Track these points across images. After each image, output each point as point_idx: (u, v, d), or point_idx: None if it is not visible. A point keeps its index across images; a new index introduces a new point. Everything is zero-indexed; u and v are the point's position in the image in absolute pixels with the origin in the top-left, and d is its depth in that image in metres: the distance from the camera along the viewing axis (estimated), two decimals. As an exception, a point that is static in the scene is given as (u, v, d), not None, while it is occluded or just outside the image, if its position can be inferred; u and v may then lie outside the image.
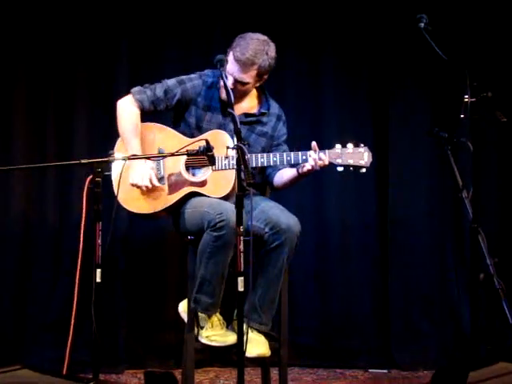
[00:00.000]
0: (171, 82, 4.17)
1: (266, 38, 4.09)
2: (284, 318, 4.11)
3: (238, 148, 3.43)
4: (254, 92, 4.22)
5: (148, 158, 4.03)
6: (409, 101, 5.24)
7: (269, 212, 4.00)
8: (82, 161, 3.57)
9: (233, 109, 3.62)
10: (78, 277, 3.76)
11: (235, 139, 3.49)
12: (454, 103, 4.92)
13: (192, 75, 4.20)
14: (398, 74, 5.23)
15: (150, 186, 4.02)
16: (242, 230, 3.41)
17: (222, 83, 4.04)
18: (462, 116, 3.68)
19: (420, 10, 3.92)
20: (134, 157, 3.88)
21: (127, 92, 4.20)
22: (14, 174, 4.98)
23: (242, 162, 3.41)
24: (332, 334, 5.22)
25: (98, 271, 3.62)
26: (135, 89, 4.16)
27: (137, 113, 4.13)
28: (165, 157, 3.91)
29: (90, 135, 5.06)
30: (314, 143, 3.96)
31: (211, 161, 3.68)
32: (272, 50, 4.07)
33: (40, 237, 5.03)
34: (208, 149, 3.58)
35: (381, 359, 5.14)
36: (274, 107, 4.28)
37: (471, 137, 3.77)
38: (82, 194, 3.72)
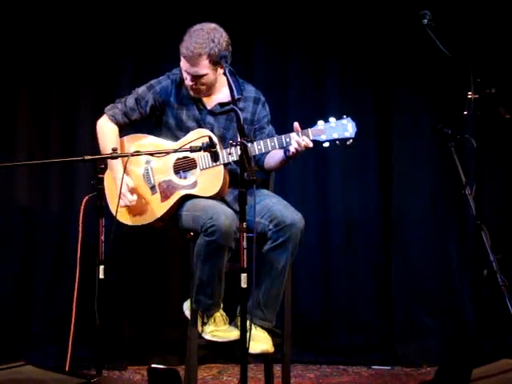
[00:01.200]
0: (141, 89, 4.15)
1: (212, 25, 4.00)
2: (287, 314, 4.11)
3: (241, 144, 3.43)
4: (223, 79, 4.01)
5: (151, 155, 4.03)
6: (413, 97, 5.23)
7: (273, 208, 3.98)
8: (86, 157, 3.57)
9: (235, 104, 3.61)
10: (77, 273, 3.76)
11: (229, 131, 3.47)
12: (458, 100, 4.92)
13: (161, 77, 4.16)
14: (401, 72, 5.22)
15: (133, 198, 4.03)
16: (244, 226, 3.39)
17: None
18: (465, 112, 3.67)
19: (423, 6, 3.92)
20: (137, 153, 3.87)
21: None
22: (17, 171, 4.98)
23: (244, 158, 3.40)
24: (335, 330, 5.22)
25: (101, 268, 3.62)
26: (108, 107, 4.18)
27: (114, 128, 4.14)
28: (168, 153, 3.90)
29: (94, 134, 5.06)
30: (295, 124, 3.90)
31: (215, 157, 3.67)
32: (219, 35, 3.96)
33: (43, 233, 5.04)
34: (211, 145, 3.58)
35: (384, 355, 5.14)
36: (250, 91, 4.19)
37: (475, 133, 3.76)
38: (81, 209, 3.72)
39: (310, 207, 5.12)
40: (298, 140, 3.86)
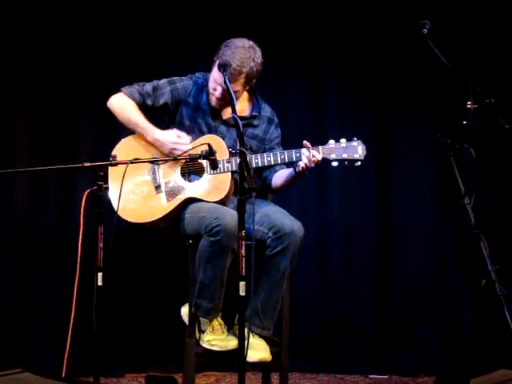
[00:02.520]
0: (162, 81, 4.20)
1: (250, 43, 4.05)
2: (285, 322, 4.11)
3: (240, 152, 3.43)
4: (245, 95, 4.20)
5: (151, 162, 4.04)
6: (412, 107, 5.25)
7: (272, 216, 4.00)
8: (85, 164, 3.57)
9: (235, 113, 3.61)
10: (76, 281, 3.75)
11: (238, 143, 3.49)
12: (457, 109, 4.95)
13: (183, 77, 4.21)
14: (401, 80, 5.23)
15: (187, 140, 4.04)
16: (243, 234, 3.39)
17: (218, 86, 4.06)
18: (464, 122, 3.68)
19: (423, 15, 3.92)
20: (136, 160, 3.87)
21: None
22: (16, 177, 4.99)
23: (244, 166, 3.40)
24: (333, 339, 5.22)
25: (100, 274, 3.61)
26: (125, 86, 4.21)
27: (132, 102, 4.17)
28: (167, 161, 3.91)
29: (93, 141, 5.08)
30: (305, 142, 3.96)
31: (213, 165, 3.68)
32: (258, 55, 4.03)
33: (42, 240, 5.04)
34: (210, 153, 3.58)
35: (381, 365, 5.13)
36: (266, 110, 4.25)
37: (474, 143, 3.77)
38: (82, 202, 3.72)
39: (308, 217, 5.11)
40: (307, 156, 3.92)
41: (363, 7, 5.24)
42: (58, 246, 5.02)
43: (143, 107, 4.19)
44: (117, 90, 4.90)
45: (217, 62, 3.99)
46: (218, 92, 4.06)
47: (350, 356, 5.17)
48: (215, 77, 4.05)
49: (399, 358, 5.12)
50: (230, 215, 3.85)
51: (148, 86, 4.18)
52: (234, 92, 3.97)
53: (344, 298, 5.26)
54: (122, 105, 4.17)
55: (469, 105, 3.66)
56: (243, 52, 3.99)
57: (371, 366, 5.13)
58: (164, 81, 4.19)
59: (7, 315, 4.95)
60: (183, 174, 4.10)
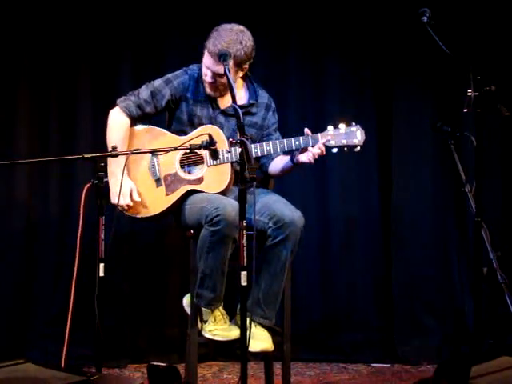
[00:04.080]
0: (157, 82, 4.14)
1: (241, 27, 4.03)
2: (287, 312, 4.11)
3: (241, 142, 3.42)
4: (241, 83, 4.18)
5: (152, 153, 4.03)
6: (412, 95, 5.24)
7: (273, 206, 3.99)
8: (85, 155, 3.57)
9: (235, 102, 3.60)
10: (75, 271, 3.75)
11: (237, 133, 3.48)
12: (458, 97, 4.93)
13: (177, 72, 4.16)
14: (401, 68, 5.22)
15: (131, 203, 4.04)
16: (244, 224, 3.39)
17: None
18: (465, 110, 3.67)
19: (423, 3, 3.91)
20: (137, 151, 3.87)
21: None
22: (17, 169, 4.98)
23: (244, 155, 3.40)
24: (335, 328, 5.22)
25: (101, 265, 3.62)
26: (120, 99, 4.15)
27: (126, 121, 4.12)
28: (167, 151, 3.90)
29: (93, 132, 5.07)
30: (306, 129, 3.96)
31: (214, 155, 3.67)
32: (247, 38, 4.00)
33: (43, 232, 5.05)
34: (211, 143, 3.58)
35: (384, 353, 5.14)
36: (263, 97, 4.24)
37: (474, 131, 3.76)
38: (82, 196, 3.72)
39: (310, 207, 5.11)
40: (310, 152, 3.92)
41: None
42: (60, 238, 5.02)
43: (143, 116, 4.15)
44: (116, 84, 4.95)
45: (207, 47, 3.98)
46: (209, 76, 4.05)
47: (352, 345, 5.18)
48: (204, 61, 4.04)
49: (401, 347, 5.13)
50: (230, 205, 3.85)
51: (145, 93, 4.12)
52: (223, 75, 3.94)
53: (346, 286, 5.26)
54: (112, 126, 4.13)
55: (469, 92, 3.65)
56: (230, 34, 3.97)
57: (373, 354, 5.14)
58: (160, 82, 4.14)
59: (9, 307, 4.95)
60: (182, 167, 4.09)
